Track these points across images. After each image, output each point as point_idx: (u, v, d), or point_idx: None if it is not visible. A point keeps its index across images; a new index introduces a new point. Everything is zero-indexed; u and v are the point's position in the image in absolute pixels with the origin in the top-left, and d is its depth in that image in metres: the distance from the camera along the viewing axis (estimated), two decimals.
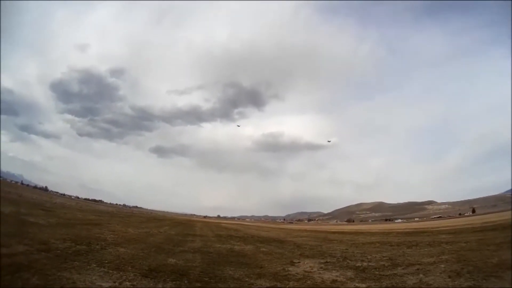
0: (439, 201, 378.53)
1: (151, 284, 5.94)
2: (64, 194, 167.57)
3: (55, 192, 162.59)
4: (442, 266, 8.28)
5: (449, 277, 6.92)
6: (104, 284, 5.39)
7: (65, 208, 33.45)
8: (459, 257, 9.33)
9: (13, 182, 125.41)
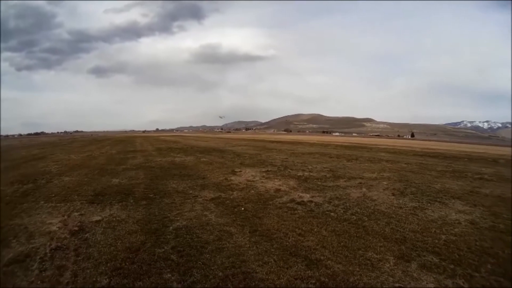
0: (377, 120, 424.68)
1: (99, 210, 5.97)
2: (7, 136, 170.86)
3: None
4: (385, 183, 8.59)
5: (393, 194, 7.07)
6: (53, 221, 5.34)
7: (9, 149, 31.28)
8: (401, 177, 9.84)
9: None
